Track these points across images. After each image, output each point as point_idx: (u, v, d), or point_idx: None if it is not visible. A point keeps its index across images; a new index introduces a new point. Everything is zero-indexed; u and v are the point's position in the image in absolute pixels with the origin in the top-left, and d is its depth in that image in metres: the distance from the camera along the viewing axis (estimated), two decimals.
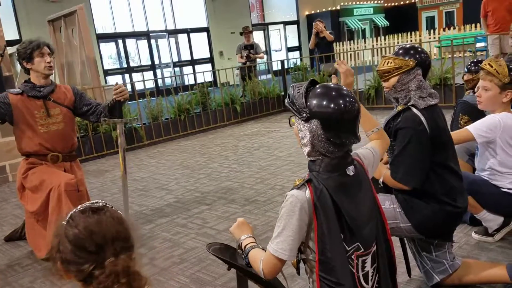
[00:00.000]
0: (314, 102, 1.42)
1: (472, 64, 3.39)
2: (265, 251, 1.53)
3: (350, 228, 1.42)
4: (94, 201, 1.18)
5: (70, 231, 1.08)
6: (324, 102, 1.40)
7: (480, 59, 3.59)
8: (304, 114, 1.43)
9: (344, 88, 1.47)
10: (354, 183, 1.46)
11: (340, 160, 1.44)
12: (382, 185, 2.19)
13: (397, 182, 2.04)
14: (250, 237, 1.64)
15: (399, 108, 2.06)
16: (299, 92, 1.46)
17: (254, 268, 1.54)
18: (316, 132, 1.42)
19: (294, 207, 1.41)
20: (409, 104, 2.03)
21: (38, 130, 3.09)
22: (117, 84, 3.15)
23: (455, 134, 2.40)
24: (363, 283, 1.46)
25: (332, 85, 1.47)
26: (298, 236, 1.43)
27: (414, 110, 2.02)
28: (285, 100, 1.52)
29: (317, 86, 1.47)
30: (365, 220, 1.46)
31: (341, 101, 1.40)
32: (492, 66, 2.43)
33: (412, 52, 2.05)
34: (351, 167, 1.46)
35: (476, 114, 3.01)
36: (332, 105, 1.39)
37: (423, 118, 1.99)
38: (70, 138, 3.26)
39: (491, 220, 2.56)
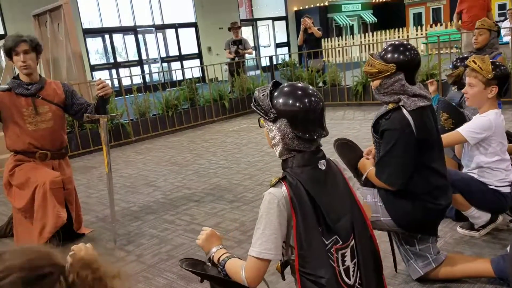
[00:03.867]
0: (280, 101, 1.45)
1: (458, 60, 3.44)
2: (240, 259, 1.51)
3: (326, 221, 1.43)
4: None
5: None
6: (289, 101, 1.44)
7: (465, 55, 3.64)
8: (272, 115, 1.46)
9: (310, 87, 1.51)
10: (327, 177, 1.49)
11: (311, 154, 1.48)
12: (363, 180, 2.21)
13: (382, 182, 2.05)
14: (221, 248, 1.59)
15: (389, 106, 2.06)
16: (263, 94, 1.49)
17: (234, 279, 1.48)
18: (285, 130, 1.45)
19: (272, 204, 1.42)
20: (399, 103, 2.02)
21: (26, 128, 3.04)
22: (99, 79, 3.11)
23: (446, 138, 2.42)
24: (345, 278, 1.46)
25: (298, 84, 1.51)
26: (280, 234, 1.43)
27: (404, 111, 2.01)
28: (252, 104, 1.54)
29: (282, 86, 1.50)
30: (340, 213, 1.47)
31: (306, 100, 1.45)
32: (476, 63, 2.47)
33: (399, 51, 2.00)
34: (323, 161, 1.49)
35: (454, 111, 3.06)
36: (297, 103, 1.44)
37: (411, 120, 1.99)
38: (59, 136, 3.21)
39: (479, 217, 2.59)
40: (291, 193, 1.42)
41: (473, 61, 2.49)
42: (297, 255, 1.42)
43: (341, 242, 1.45)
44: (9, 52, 2.99)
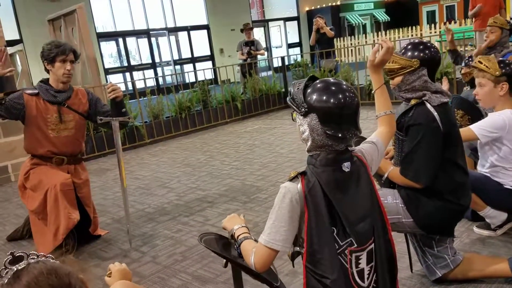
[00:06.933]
0: (312, 97, 1.44)
1: (471, 58, 3.42)
2: (256, 241, 1.54)
3: (342, 223, 1.43)
4: (14, 256, 0.95)
5: None
6: (322, 97, 1.42)
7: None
8: (303, 109, 1.45)
9: (344, 83, 1.48)
10: (349, 179, 1.46)
11: (336, 155, 1.45)
12: (384, 180, 2.19)
13: (409, 179, 2.01)
14: (243, 226, 1.65)
15: (412, 102, 2.04)
16: (298, 88, 1.49)
17: (245, 260, 1.55)
18: (315, 126, 1.44)
19: (285, 198, 1.44)
20: (423, 98, 2.01)
21: (48, 134, 3.09)
22: (110, 83, 3.16)
23: None
24: (358, 280, 1.45)
25: (331, 80, 1.48)
26: (290, 227, 1.44)
27: (428, 106, 1.99)
28: (287, 98, 1.54)
29: (317, 81, 1.49)
30: (359, 217, 1.45)
31: (340, 96, 1.42)
32: (481, 63, 2.47)
33: (420, 49, 2.01)
34: (347, 164, 1.46)
35: (469, 107, 3.02)
36: (329, 100, 1.41)
37: (436, 115, 1.97)
38: (79, 143, 3.27)
39: (495, 216, 2.55)
40: (306, 190, 1.42)
41: (479, 61, 2.50)
42: (305, 251, 1.43)
43: (355, 245, 1.44)
44: (54, 58, 3.00)
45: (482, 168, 2.59)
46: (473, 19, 7.33)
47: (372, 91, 1.92)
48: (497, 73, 2.41)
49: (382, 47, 1.82)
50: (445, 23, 17.01)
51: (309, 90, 1.46)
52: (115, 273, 1.46)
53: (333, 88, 1.44)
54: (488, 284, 2.15)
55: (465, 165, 2.10)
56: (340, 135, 1.42)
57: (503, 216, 2.55)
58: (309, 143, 1.48)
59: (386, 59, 1.85)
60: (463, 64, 3.51)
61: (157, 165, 5.60)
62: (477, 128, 2.45)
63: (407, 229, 2.12)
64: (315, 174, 1.44)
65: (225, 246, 1.72)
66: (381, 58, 1.83)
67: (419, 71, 2.00)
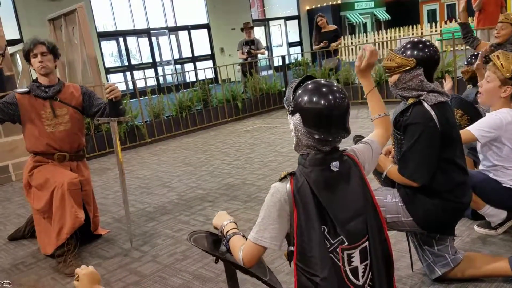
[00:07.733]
0: (299, 96, 1.46)
1: (473, 57, 3.40)
2: (245, 237, 1.57)
3: (333, 221, 1.44)
4: None
5: None
6: (306, 97, 1.44)
7: (479, 52, 3.60)
8: (290, 108, 1.49)
9: (335, 85, 1.48)
10: (339, 179, 1.48)
11: (325, 155, 1.48)
12: (383, 179, 2.19)
13: (406, 178, 2.02)
14: (232, 222, 1.69)
15: (410, 101, 2.04)
16: (292, 87, 1.52)
17: (233, 256, 1.58)
18: (298, 125, 1.47)
19: (274, 197, 1.47)
20: (420, 98, 2.01)
21: (44, 129, 3.11)
22: (108, 83, 3.17)
23: None
24: (352, 278, 1.46)
25: (322, 82, 1.49)
26: (279, 226, 1.47)
27: (425, 105, 1.99)
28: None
29: (309, 82, 1.50)
30: (349, 216, 1.46)
31: (327, 98, 1.42)
32: (499, 59, 2.43)
33: (418, 48, 2.01)
34: (336, 163, 1.47)
35: (468, 107, 3.02)
36: (313, 101, 1.43)
37: (433, 114, 1.97)
38: (77, 138, 3.27)
39: (494, 215, 2.55)
40: (294, 190, 1.45)
41: (497, 56, 2.45)
42: (295, 249, 1.45)
43: (346, 243, 1.45)
44: (27, 55, 3.06)
45: (483, 167, 2.59)
46: (474, 18, 7.30)
47: (364, 96, 1.93)
48: (508, 74, 2.38)
49: (366, 52, 1.84)
50: (445, 22, 17.01)
51: (299, 90, 1.48)
52: (83, 276, 1.43)
53: (322, 90, 1.44)
54: (488, 283, 2.16)
55: (464, 164, 2.09)
56: (319, 136, 1.44)
57: (503, 214, 2.55)
58: (294, 141, 1.52)
59: (372, 62, 1.86)
60: (465, 63, 3.50)
61: (158, 165, 5.61)
62: (475, 129, 2.44)
63: (407, 228, 2.12)
64: (304, 174, 1.47)
65: (216, 243, 1.76)
66: (366, 62, 1.85)
67: (416, 70, 2.00)
